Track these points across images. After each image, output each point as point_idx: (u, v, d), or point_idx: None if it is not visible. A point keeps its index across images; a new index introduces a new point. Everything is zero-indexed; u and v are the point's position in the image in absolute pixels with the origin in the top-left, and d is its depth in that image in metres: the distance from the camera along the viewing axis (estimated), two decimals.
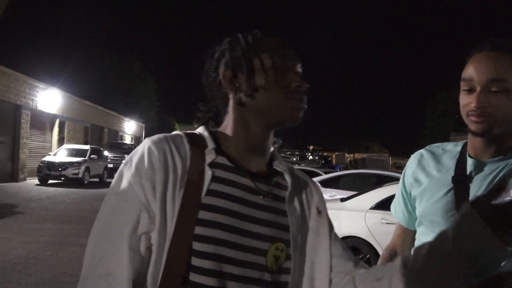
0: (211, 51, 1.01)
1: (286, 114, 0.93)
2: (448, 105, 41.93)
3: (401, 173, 1.51)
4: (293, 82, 0.93)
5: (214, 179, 0.88)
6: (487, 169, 1.22)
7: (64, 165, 16.43)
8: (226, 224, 0.85)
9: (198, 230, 0.82)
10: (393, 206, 1.50)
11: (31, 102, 18.51)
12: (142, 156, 0.86)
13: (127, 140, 34.09)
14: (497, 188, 1.15)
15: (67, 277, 5.07)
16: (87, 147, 18.81)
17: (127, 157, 0.90)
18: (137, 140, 37.38)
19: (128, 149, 24.44)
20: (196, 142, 0.92)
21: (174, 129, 47.73)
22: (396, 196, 1.48)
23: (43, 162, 16.58)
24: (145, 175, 0.84)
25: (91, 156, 17.88)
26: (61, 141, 21.49)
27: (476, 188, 1.20)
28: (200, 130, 0.98)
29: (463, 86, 1.22)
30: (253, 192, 0.91)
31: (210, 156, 0.90)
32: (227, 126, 0.97)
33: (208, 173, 0.88)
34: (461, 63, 1.25)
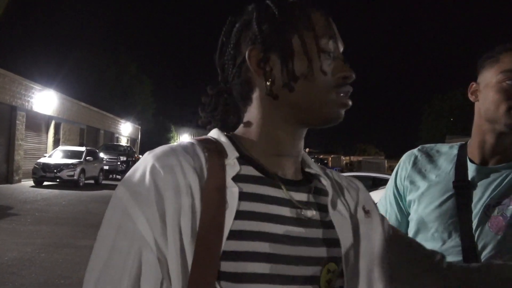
0: (230, 20, 0.80)
1: (331, 112, 0.74)
2: (444, 108, 42.11)
3: None
4: (341, 71, 0.74)
5: (242, 196, 0.68)
6: (491, 176, 1.19)
7: (60, 167, 16.35)
8: (265, 253, 0.65)
9: (226, 266, 0.63)
10: (382, 207, 1.43)
11: (26, 104, 18.42)
12: (143, 177, 0.65)
13: (123, 142, 33.98)
14: (502, 195, 1.14)
15: (62, 279, 5.05)
16: (83, 148, 18.72)
17: (125, 176, 0.69)
18: (133, 142, 37.29)
19: (124, 151, 24.36)
20: (213, 150, 0.71)
21: (171, 131, 47.34)
22: (386, 198, 1.42)
23: (38, 163, 16.50)
24: (149, 203, 0.63)
25: (87, 158, 17.80)
26: (56, 143, 21.39)
27: (479, 195, 1.18)
28: (214, 134, 0.77)
29: (502, 78, 1.18)
30: (292, 205, 0.72)
31: (233, 168, 0.70)
32: (250, 125, 0.77)
33: (234, 190, 0.67)
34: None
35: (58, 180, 16.35)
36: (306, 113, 0.74)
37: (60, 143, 21.65)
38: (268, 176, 0.73)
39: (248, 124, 0.77)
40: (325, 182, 0.79)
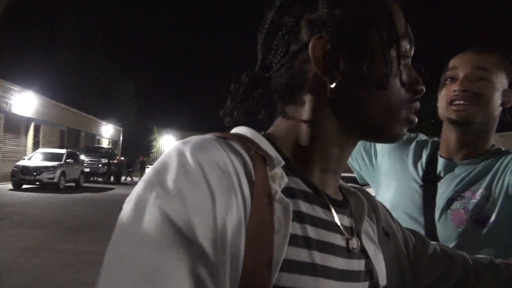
0: None
1: (398, 131, 0.63)
2: (425, 110, 42.67)
3: None
4: (418, 83, 0.62)
5: (296, 217, 0.55)
6: (457, 171, 1.24)
7: (39, 170, 16.09)
8: None
9: None
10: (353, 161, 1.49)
11: (5, 105, 18.10)
12: (186, 173, 0.48)
13: (105, 144, 33.60)
14: (464, 189, 1.19)
15: (42, 284, 4.97)
16: (63, 151, 18.48)
17: (147, 175, 0.50)
18: (115, 144, 36.93)
19: (105, 153, 24.10)
20: (257, 153, 0.55)
21: (153, 133, 46.84)
22: (356, 152, 1.46)
23: (18, 166, 16.20)
24: (200, 206, 0.46)
25: (67, 160, 17.57)
26: (36, 145, 21.05)
27: (444, 188, 1.23)
28: (246, 132, 0.60)
29: (445, 76, 1.24)
30: (339, 231, 0.60)
31: (279, 178, 0.54)
32: (293, 128, 0.62)
33: (287, 207, 0.53)
34: (438, 68, 1.28)
35: (37, 183, 16.10)
36: (369, 126, 0.62)
37: (40, 145, 21.31)
38: (316, 193, 0.60)
39: (290, 126, 0.63)
40: (357, 202, 0.67)
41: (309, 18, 0.60)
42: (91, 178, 22.63)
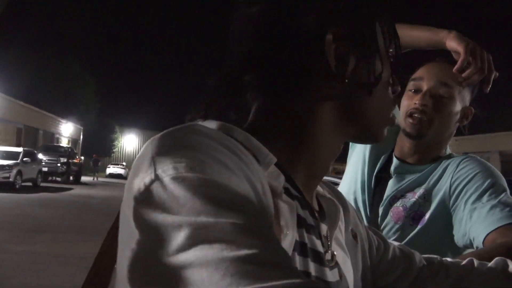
0: None
1: (384, 131, 0.62)
2: None
3: (340, 178, 1.57)
4: (396, 84, 0.63)
5: (299, 221, 0.52)
6: (406, 172, 1.29)
7: None
8: None
9: None
10: None
11: None
12: (212, 149, 0.44)
13: (64, 142, 32.68)
14: (407, 190, 1.25)
15: None
16: (20, 149, 17.81)
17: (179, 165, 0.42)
18: (75, 143, 35.97)
19: (65, 152, 23.42)
20: (251, 152, 0.50)
21: (115, 132, 46.00)
22: None
23: None
24: (238, 168, 0.44)
25: (24, 159, 16.96)
26: None
27: (391, 187, 1.29)
28: (231, 129, 0.53)
29: (410, 86, 1.26)
30: (320, 239, 0.57)
31: (277, 178, 0.51)
32: (281, 128, 0.57)
33: (292, 209, 0.51)
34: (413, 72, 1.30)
35: None
36: (365, 129, 0.60)
37: None
38: (304, 198, 0.57)
39: (277, 124, 0.58)
40: (331, 208, 0.64)
41: (317, 6, 0.56)
42: (50, 178, 21.97)
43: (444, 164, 1.24)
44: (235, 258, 0.35)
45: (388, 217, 1.25)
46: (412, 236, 1.19)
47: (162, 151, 0.44)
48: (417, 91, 1.24)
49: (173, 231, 0.37)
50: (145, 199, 0.40)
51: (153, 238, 0.38)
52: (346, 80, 0.55)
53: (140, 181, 0.42)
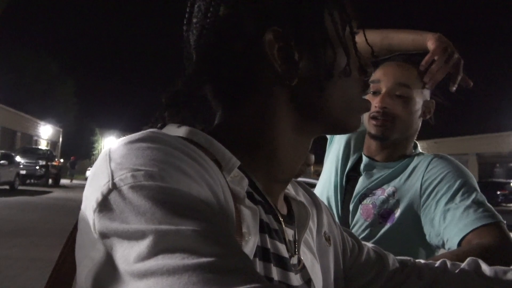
0: None
1: (357, 120, 0.60)
2: None
3: None
4: (367, 65, 0.59)
5: (262, 226, 0.51)
6: (374, 170, 1.31)
7: None
8: None
9: None
10: None
11: None
12: (172, 157, 0.43)
13: (43, 145, 32.12)
14: (376, 187, 1.27)
15: None
16: None
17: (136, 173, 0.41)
18: (54, 145, 35.40)
19: (43, 154, 23.01)
20: (213, 157, 0.50)
21: (95, 134, 45.45)
22: None
23: None
24: (199, 176, 0.44)
25: (1, 161, 16.59)
26: None
27: (360, 185, 1.31)
28: (189, 133, 0.52)
29: (370, 88, 1.28)
30: (285, 244, 0.56)
31: (239, 180, 0.50)
32: (239, 132, 0.56)
33: (254, 212, 0.49)
34: None
35: None
36: (331, 121, 0.58)
37: None
38: (267, 202, 0.56)
39: (236, 131, 0.56)
40: (301, 211, 0.63)
41: (253, 8, 0.54)
42: (28, 181, 21.55)
43: (414, 162, 1.25)
44: (197, 266, 0.35)
45: (358, 215, 1.26)
46: (381, 234, 1.20)
47: (119, 159, 0.42)
48: (375, 93, 1.26)
49: (133, 241, 0.37)
50: (104, 209, 0.39)
51: (113, 248, 0.38)
52: (296, 79, 0.54)
53: (98, 190, 0.41)
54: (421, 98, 1.25)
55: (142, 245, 0.36)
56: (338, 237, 0.73)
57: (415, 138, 1.32)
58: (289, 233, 0.58)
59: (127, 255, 0.37)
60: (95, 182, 0.42)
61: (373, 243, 1.21)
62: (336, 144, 1.47)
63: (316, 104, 0.56)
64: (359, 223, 1.25)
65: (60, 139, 38.04)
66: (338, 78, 0.55)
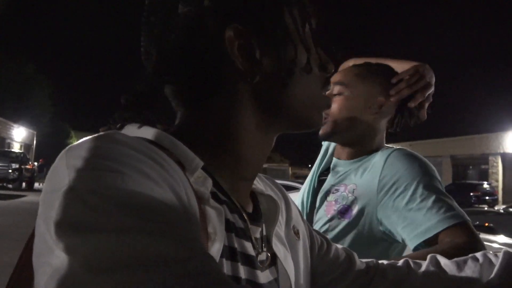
0: None
1: (319, 117, 0.61)
2: None
3: (300, 183, 1.63)
4: (328, 62, 0.60)
5: (228, 226, 0.51)
6: (339, 168, 1.35)
7: None
8: None
9: None
10: None
11: None
12: (131, 156, 0.42)
13: (16, 148, 31.40)
14: (339, 183, 1.30)
15: None
16: None
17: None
18: (28, 148, 34.63)
19: (17, 157, 22.50)
20: (176, 159, 0.49)
21: (70, 137, 44.61)
22: None
23: None
24: (161, 178, 0.43)
25: None
26: None
27: (326, 183, 1.35)
28: (151, 135, 0.52)
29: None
30: (251, 242, 0.56)
31: (203, 180, 0.50)
32: (201, 133, 0.56)
33: (219, 213, 0.49)
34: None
35: None
36: (294, 118, 0.58)
37: None
38: (232, 201, 0.55)
39: (199, 130, 0.56)
40: (269, 204, 0.63)
41: (213, 5, 0.53)
42: (0, 184, 21.06)
43: (373, 158, 1.26)
44: (161, 270, 0.34)
45: (322, 211, 1.28)
46: (339, 230, 1.21)
47: (77, 163, 0.41)
48: None
49: (93, 245, 0.36)
50: (61, 215, 0.38)
51: (72, 254, 0.36)
52: (258, 76, 0.54)
53: (55, 196, 0.39)
54: (363, 94, 1.26)
55: (103, 250, 0.35)
56: (306, 232, 0.74)
57: (377, 136, 1.32)
58: (256, 230, 0.58)
59: (88, 260, 0.35)
60: (52, 185, 0.41)
61: (331, 238, 1.23)
62: (321, 150, 1.52)
63: (279, 101, 0.56)
64: (321, 219, 1.27)
65: (34, 142, 37.24)
66: (299, 75, 0.56)
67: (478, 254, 0.76)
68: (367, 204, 1.20)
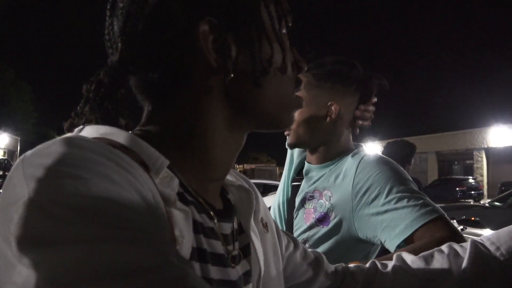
0: None
1: (291, 116, 0.59)
2: None
3: None
4: (300, 61, 0.59)
5: (196, 227, 0.50)
6: (312, 173, 1.35)
7: None
8: None
9: None
10: None
11: None
12: (99, 164, 0.40)
13: None
14: (314, 190, 1.31)
15: None
16: None
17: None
18: (11, 154, 34.12)
19: (0, 164, 22.17)
20: (139, 161, 0.46)
21: None
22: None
23: None
24: (126, 181, 0.41)
25: None
26: None
27: (301, 190, 1.35)
28: (116, 135, 0.49)
29: None
30: (220, 240, 0.55)
31: (169, 181, 0.48)
32: (168, 131, 0.53)
33: (187, 214, 0.48)
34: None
35: None
36: (265, 117, 0.56)
37: None
38: (198, 202, 0.53)
39: (165, 128, 0.53)
40: (242, 195, 0.62)
41: None
42: None
43: (346, 163, 1.27)
44: (136, 280, 0.33)
45: (301, 219, 1.29)
46: (318, 237, 1.22)
47: (35, 171, 0.37)
48: None
49: (59, 258, 0.33)
50: (22, 229, 0.35)
51: (37, 269, 0.34)
52: (231, 74, 0.51)
53: (14, 208, 0.36)
54: (316, 102, 1.28)
55: (68, 263, 0.33)
56: (273, 227, 0.72)
57: (342, 137, 1.33)
58: (226, 227, 0.56)
59: (52, 276, 0.33)
60: (9, 197, 0.37)
61: (311, 245, 1.22)
62: (288, 153, 1.53)
63: (250, 99, 0.54)
64: (300, 227, 1.28)
65: (18, 148, 36.70)
66: (273, 74, 0.54)
67: (444, 246, 0.76)
68: (343, 210, 1.20)
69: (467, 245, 0.74)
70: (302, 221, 1.28)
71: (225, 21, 0.51)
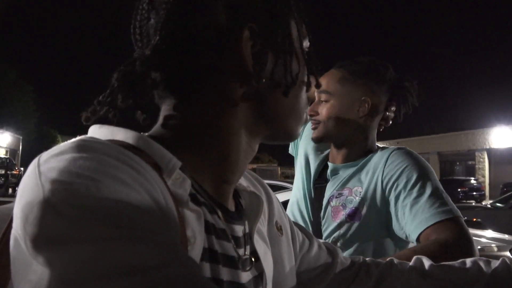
0: None
1: (298, 130, 0.61)
2: None
3: (289, 182, 1.62)
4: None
5: (208, 228, 0.51)
6: (340, 172, 1.36)
7: None
8: None
9: None
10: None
11: None
12: (111, 166, 0.41)
13: (1, 153, 30.98)
14: (342, 187, 1.31)
15: None
16: None
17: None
18: (14, 154, 34.19)
19: (2, 163, 22.20)
20: (151, 162, 0.47)
21: (56, 141, 44.20)
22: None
23: None
24: (137, 183, 0.42)
25: None
26: None
27: (328, 189, 1.35)
28: (128, 136, 0.50)
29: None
30: (231, 242, 0.55)
31: (181, 182, 0.48)
32: (192, 131, 0.54)
33: (199, 215, 0.49)
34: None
35: None
36: (281, 129, 0.58)
37: None
38: (211, 202, 0.54)
39: (184, 128, 0.54)
40: (252, 201, 0.62)
41: (233, 2, 0.52)
42: None
43: (375, 158, 1.30)
44: (143, 278, 0.34)
45: (329, 217, 1.29)
46: (351, 233, 1.23)
47: (51, 172, 0.39)
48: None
49: (72, 258, 0.35)
50: (37, 229, 0.36)
51: (51, 268, 0.35)
52: (264, 80, 0.53)
53: (30, 208, 0.38)
54: (350, 97, 1.30)
55: (80, 262, 0.34)
56: (289, 228, 0.74)
57: (370, 135, 1.35)
58: (238, 229, 0.57)
59: (66, 273, 0.34)
60: (25, 198, 0.39)
61: (344, 242, 1.23)
62: (299, 156, 1.54)
63: (277, 107, 0.56)
64: (330, 225, 1.28)
65: (20, 147, 36.77)
66: (298, 88, 0.57)
67: (468, 260, 0.77)
68: (374, 204, 1.22)
69: (496, 262, 0.74)
70: (330, 219, 1.28)
71: (265, 30, 0.53)
